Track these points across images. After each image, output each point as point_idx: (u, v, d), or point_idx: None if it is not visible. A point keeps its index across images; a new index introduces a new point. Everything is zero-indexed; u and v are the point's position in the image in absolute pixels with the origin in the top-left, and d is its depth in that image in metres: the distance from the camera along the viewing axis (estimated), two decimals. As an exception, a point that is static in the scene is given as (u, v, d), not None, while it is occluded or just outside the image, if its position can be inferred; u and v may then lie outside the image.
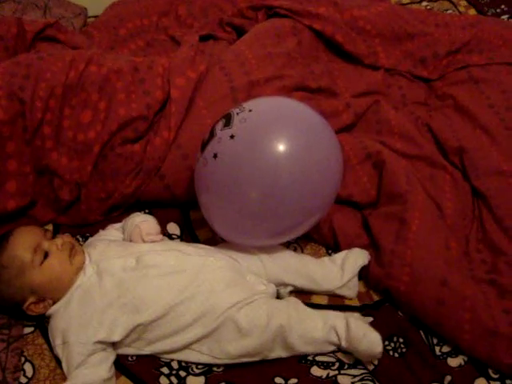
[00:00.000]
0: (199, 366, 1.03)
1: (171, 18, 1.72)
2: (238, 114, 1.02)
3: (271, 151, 0.98)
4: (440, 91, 1.50)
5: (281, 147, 0.98)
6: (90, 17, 1.83)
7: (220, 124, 1.03)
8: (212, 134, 1.03)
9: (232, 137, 0.99)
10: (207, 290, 1.01)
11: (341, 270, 1.13)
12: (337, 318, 1.03)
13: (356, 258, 1.14)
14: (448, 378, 1.00)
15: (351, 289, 1.14)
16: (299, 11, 1.50)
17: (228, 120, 1.02)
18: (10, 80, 1.13)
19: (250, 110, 1.02)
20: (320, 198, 1.03)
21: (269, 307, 1.02)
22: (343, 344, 1.02)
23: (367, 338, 0.99)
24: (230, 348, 1.00)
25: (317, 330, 1.02)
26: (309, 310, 1.05)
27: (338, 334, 1.02)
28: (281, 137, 0.99)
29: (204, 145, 1.05)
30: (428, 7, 1.85)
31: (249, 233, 1.06)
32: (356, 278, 1.14)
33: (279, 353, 1.02)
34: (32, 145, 1.16)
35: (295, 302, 1.07)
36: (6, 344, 1.02)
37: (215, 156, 1.01)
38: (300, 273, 1.12)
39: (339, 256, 1.16)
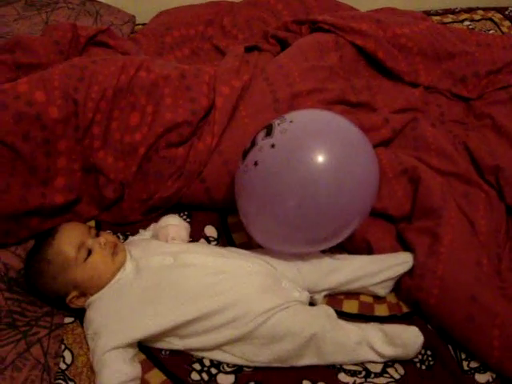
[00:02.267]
0: (230, 365, 1.05)
1: (216, 28, 1.77)
2: (279, 124, 1.06)
3: (309, 162, 1.01)
4: (478, 110, 1.51)
5: (319, 158, 1.01)
6: (137, 24, 1.90)
7: (261, 134, 1.07)
8: (253, 143, 1.07)
9: (273, 146, 1.03)
10: (242, 295, 1.03)
11: (381, 268, 1.14)
12: (369, 329, 1.05)
13: (400, 261, 1.15)
14: (475, 393, 1.01)
15: (384, 288, 1.15)
16: (342, 27, 1.53)
17: (269, 130, 1.06)
18: (65, 82, 1.18)
19: (291, 121, 1.06)
20: (355, 209, 1.06)
21: (303, 315, 1.03)
22: (382, 350, 1.03)
23: (408, 332, 1.03)
24: (262, 353, 1.02)
25: (349, 340, 1.03)
26: (341, 321, 1.07)
27: (371, 346, 1.04)
28: (319, 148, 1.02)
29: (245, 153, 1.09)
30: (470, 27, 1.86)
31: (284, 240, 1.09)
32: (393, 281, 1.15)
33: (310, 360, 1.03)
34: (81, 144, 1.22)
35: (328, 313, 1.07)
36: (49, 331, 1.06)
37: (256, 164, 1.04)
38: (334, 277, 1.13)
39: (383, 256, 1.17)
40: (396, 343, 1.03)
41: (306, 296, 1.10)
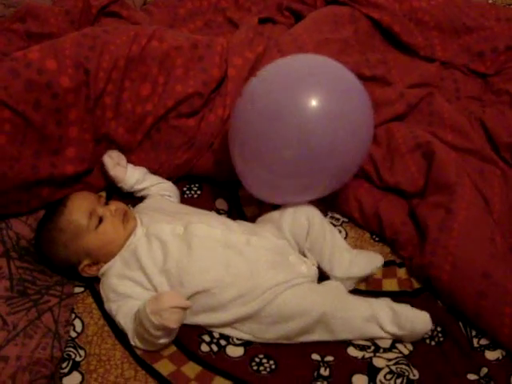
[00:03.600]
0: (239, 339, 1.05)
1: (230, 1, 1.75)
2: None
3: (299, 102, 1.00)
4: (496, 86, 1.48)
5: (310, 101, 1.00)
6: (150, -5, 1.87)
7: None
8: None
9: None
10: (250, 270, 1.03)
11: (351, 264, 1.12)
12: (379, 306, 1.04)
13: (369, 262, 1.14)
14: (484, 369, 1.00)
15: (346, 286, 1.11)
16: (358, -1, 1.50)
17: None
18: (77, 50, 1.17)
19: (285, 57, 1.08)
20: (349, 155, 1.06)
21: (312, 294, 1.03)
22: (389, 329, 1.03)
23: (418, 318, 1.02)
24: (270, 331, 1.02)
25: (358, 318, 1.03)
26: (351, 297, 1.06)
27: (379, 323, 1.03)
28: (312, 90, 1.01)
29: None
30: (490, 1, 1.82)
31: (276, 186, 1.09)
32: (355, 282, 1.13)
33: (318, 337, 1.03)
34: (93, 114, 1.21)
35: (338, 288, 1.07)
36: (59, 299, 1.07)
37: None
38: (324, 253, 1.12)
39: (357, 252, 1.16)
40: (404, 326, 1.02)
41: (313, 270, 1.09)
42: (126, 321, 1.01)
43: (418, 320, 1.02)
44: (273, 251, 1.08)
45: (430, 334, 1.05)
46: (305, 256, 1.12)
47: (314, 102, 0.99)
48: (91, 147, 1.23)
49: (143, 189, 1.25)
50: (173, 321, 0.93)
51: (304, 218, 1.11)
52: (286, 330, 1.02)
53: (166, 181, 1.27)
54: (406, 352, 1.04)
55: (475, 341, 1.06)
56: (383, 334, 1.04)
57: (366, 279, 1.15)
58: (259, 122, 1.02)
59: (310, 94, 1.00)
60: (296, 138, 1.00)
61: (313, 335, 1.03)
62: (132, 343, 1.01)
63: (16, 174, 1.11)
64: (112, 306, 1.03)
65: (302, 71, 1.04)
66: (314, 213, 1.13)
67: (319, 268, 1.11)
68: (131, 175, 1.24)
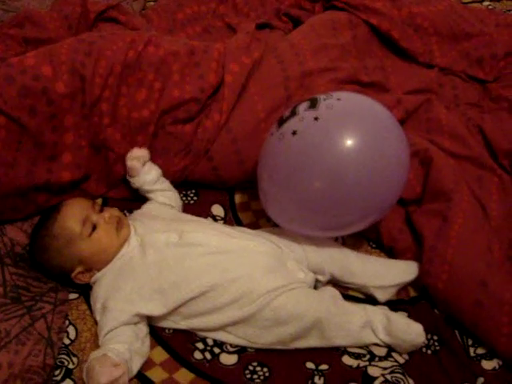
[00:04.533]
0: (233, 345, 1.05)
1: (228, 6, 1.74)
2: (324, 99, 1.04)
3: (351, 142, 0.98)
4: (495, 93, 1.47)
5: (360, 141, 0.98)
6: (149, 1, 1.87)
7: (304, 105, 1.05)
8: (294, 113, 1.05)
9: (316, 119, 1.01)
10: (246, 274, 1.02)
11: (387, 273, 1.12)
12: (374, 313, 1.04)
13: (406, 269, 1.13)
14: (481, 379, 0.99)
15: (385, 294, 1.12)
16: (356, 5, 1.49)
17: (314, 103, 1.04)
18: (72, 56, 1.17)
19: (339, 99, 1.04)
20: (380, 200, 1.03)
21: (307, 298, 1.02)
22: (381, 337, 1.02)
23: (411, 329, 1.01)
24: (265, 335, 1.02)
25: (353, 324, 1.02)
26: (346, 303, 1.06)
27: (373, 330, 1.03)
28: (362, 131, 1.00)
29: (282, 121, 1.06)
30: (490, 7, 1.81)
31: (303, 221, 1.07)
32: (395, 288, 1.12)
33: (313, 342, 1.03)
34: (89, 120, 1.21)
35: (334, 295, 1.07)
36: (53, 306, 1.07)
37: (294, 133, 1.02)
38: (340, 263, 1.12)
39: (393, 262, 1.16)
40: (395, 335, 1.01)
41: (311, 277, 1.09)
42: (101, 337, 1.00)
43: (411, 331, 1.01)
44: (270, 256, 1.07)
45: (426, 342, 1.04)
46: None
47: (349, 141, 0.98)
48: (87, 153, 1.22)
49: (151, 191, 1.23)
50: None
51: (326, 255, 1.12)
52: (280, 334, 1.01)
53: (173, 189, 1.26)
54: (401, 361, 1.03)
55: (472, 350, 1.05)
56: (377, 341, 1.04)
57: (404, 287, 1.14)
58: (309, 154, 1.00)
59: (347, 132, 0.99)
60: (328, 172, 0.99)
61: (307, 341, 1.03)
62: None
63: (11, 180, 1.11)
64: (97, 317, 1.03)
65: (356, 113, 1.03)
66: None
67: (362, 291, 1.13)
68: (146, 174, 1.22)
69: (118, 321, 0.99)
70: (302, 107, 1.04)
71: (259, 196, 1.12)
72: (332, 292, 1.08)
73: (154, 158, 1.27)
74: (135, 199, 1.27)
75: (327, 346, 1.03)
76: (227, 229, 1.14)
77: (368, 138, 0.99)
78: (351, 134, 0.99)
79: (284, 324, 1.00)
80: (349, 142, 0.98)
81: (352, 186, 0.99)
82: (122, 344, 0.96)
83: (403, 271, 1.13)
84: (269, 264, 1.05)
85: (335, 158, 0.98)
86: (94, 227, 1.06)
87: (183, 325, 1.05)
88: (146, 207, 1.22)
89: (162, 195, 1.23)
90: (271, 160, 1.07)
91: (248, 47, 1.34)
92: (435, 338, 1.06)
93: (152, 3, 1.85)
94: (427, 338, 1.05)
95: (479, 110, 1.45)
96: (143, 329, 1.02)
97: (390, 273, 1.12)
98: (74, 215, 1.07)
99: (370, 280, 1.12)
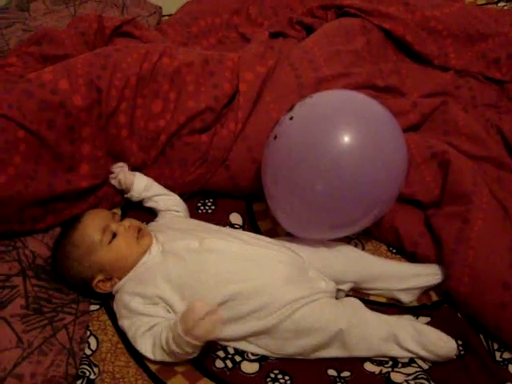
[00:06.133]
0: (255, 353, 1.04)
1: (242, 17, 1.76)
2: (300, 100, 1.06)
3: (331, 138, 0.98)
4: (513, 93, 1.45)
5: (342, 136, 0.98)
6: (164, 15, 1.90)
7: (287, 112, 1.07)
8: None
9: (291, 118, 1.03)
10: (267, 284, 1.02)
11: (410, 274, 1.12)
12: (399, 325, 1.02)
13: (431, 272, 1.12)
14: (508, 385, 0.97)
15: (409, 296, 1.11)
16: (369, 10, 1.49)
17: (292, 106, 1.06)
18: (89, 69, 1.19)
19: (311, 97, 1.06)
20: (381, 192, 1.02)
21: (329, 310, 1.01)
22: (411, 348, 1.00)
23: (444, 343, 1.00)
24: (286, 346, 1.01)
25: (375, 336, 1.01)
26: (369, 314, 1.04)
27: (399, 342, 1.01)
28: (343, 125, 1.00)
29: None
30: (505, 7, 1.80)
31: (307, 223, 1.07)
32: (420, 291, 1.12)
33: (334, 353, 1.02)
34: (106, 131, 1.22)
35: (356, 306, 1.05)
36: (74, 317, 1.07)
37: (275, 137, 1.05)
38: (361, 268, 1.11)
39: (413, 264, 1.15)
40: (428, 349, 1.00)
41: (332, 286, 1.08)
42: (141, 338, 1.00)
43: (444, 345, 1.00)
44: (291, 266, 1.06)
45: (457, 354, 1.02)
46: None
47: (346, 138, 0.98)
48: (104, 163, 1.24)
49: (152, 196, 1.24)
50: (207, 331, 0.91)
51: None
52: (302, 345, 1.00)
53: (172, 193, 1.27)
54: (425, 367, 1.01)
55: (498, 354, 1.03)
56: (400, 352, 1.02)
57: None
58: (293, 154, 1.02)
59: (344, 128, 0.99)
60: (328, 170, 0.99)
61: (329, 351, 1.02)
62: (151, 357, 0.99)
63: (31, 192, 1.13)
64: (125, 323, 1.03)
65: (334, 107, 1.04)
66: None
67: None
68: (139, 181, 1.24)
69: (149, 316, 1.00)
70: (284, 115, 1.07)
71: (267, 204, 1.13)
72: (353, 303, 1.06)
73: (171, 169, 1.28)
74: (152, 212, 1.28)
75: (347, 356, 1.02)
76: (247, 236, 1.13)
77: (349, 130, 0.99)
78: (327, 130, 0.99)
79: (305, 336, 1.00)
80: (327, 139, 0.99)
81: (345, 181, 0.99)
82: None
83: (427, 274, 1.12)
84: (290, 274, 1.04)
85: (320, 158, 0.99)
86: (114, 235, 1.07)
87: None
88: (161, 219, 1.23)
89: (164, 203, 1.24)
90: (264, 167, 1.10)
91: (262, 56, 1.35)
92: (459, 342, 1.03)
93: (167, 18, 1.87)
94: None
95: (497, 110, 1.43)
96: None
97: (413, 275, 1.11)
98: (94, 224, 1.08)
99: (394, 283, 1.11)
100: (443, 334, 1.01)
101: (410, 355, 1.02)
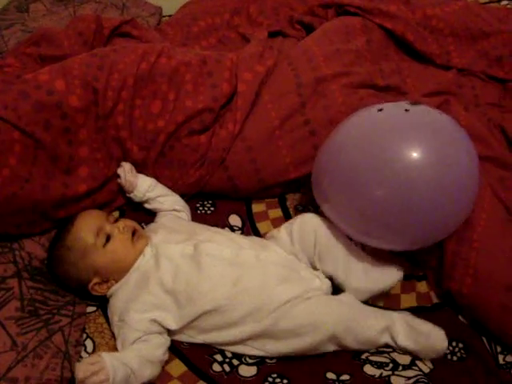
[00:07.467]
0: (252, 357, 1.03)
1: (242, 17, 1.74)
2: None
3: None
4: (516, 92, 1.44)
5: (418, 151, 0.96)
6: (164, 16, 1.89)
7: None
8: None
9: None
10: (259, 285, 1.02)
11: (366, 276, 1.08)
12: (394, 318, 1.02)
13: (387, 275, 1.09)
14: (511, 388, 0.95)
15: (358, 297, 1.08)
16: (369, 9, 1.48)
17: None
18: (85, 70, 1.18)
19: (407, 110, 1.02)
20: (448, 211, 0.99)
21: (324, 307, 1.01)
22: (403, 343, 0.99)
23: (433, 334, 0.99)
24: (283, 346, 1.00)
25: (371, 330, 1.00)
26: (364, 309, 1.04)
27: (393, 336, 1.00)
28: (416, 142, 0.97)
29: None
30: (508, 6, 1.78)
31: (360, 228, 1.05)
32: (368, 295, 1.09)
33: (330, 348, 1.01)
34: (104, 133, 1.21)
35: (351, 301, 1.04)
36: (70, 319, 1.06)
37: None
38: (345, 267, 1.08)
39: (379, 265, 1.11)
40: (417, 341, 0.99)
41: (327, 284, 1.07)
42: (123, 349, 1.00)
43: (433, 335, 0.99)
44: (283, 266, 1.06)
45: (450, 349, 1.01)
46: (315, 269, 1.09)
47: (417, 152, 0.95)
48: (103, 166, 1.23)
49: (156, 197, 1.23)
50: None
51: (311, 229, 1.09)
52: (299, 344, 1.00)
53: (174, 194, 1.26)
54: (426, 370, 1.00)
55: (501, 357, 1.01)
56: (394, 345, 1.01)
57: (386, 294, 1.11)
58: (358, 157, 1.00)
59: (415, 143, 0.97)
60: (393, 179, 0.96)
61: (325, 347, 1.01)
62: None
63: (27, 194, 1.11)
64: (115, 330, 1.03)
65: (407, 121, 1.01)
66: (320, 222, 1.11)
67: (332, 280, 1.09)
68: (143, 182, 1.23)
69: (140, 331, 0.99)
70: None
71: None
72: (349, 298, 1.05)
73: (171, 170, 1.27)
74: (151, 212, 1.26)
75: (344, 349, 1.01)
76: (240, 239, 1.13)
77: (435, 149, 0.96)
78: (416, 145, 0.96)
79: (302, 335, 0.99)
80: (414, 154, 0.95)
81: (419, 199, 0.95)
82: (132, 350, 0.96)
83: (383, 276, 1.09)
84: (282, 274, 1.04)
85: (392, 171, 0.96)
86: (109, 238, 1.06)
87: (199, 339, 1.03)
88: (160, 220, 1.21)
89: (169, 202, 1.23)
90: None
91: (261, 55, 1.34)
92: (460, 345, 1.02)
93: (167, 18, 1.86)
94: (452, 346, 1.02)
95: (500, 109, 1.42)
96: (164, 339, 1.01)
97: (369, 276, 1.08)
98: (87, 226, 1.07)
99: (349, 279, 1.08)
100: (434, 326, 1.00)
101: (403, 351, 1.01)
